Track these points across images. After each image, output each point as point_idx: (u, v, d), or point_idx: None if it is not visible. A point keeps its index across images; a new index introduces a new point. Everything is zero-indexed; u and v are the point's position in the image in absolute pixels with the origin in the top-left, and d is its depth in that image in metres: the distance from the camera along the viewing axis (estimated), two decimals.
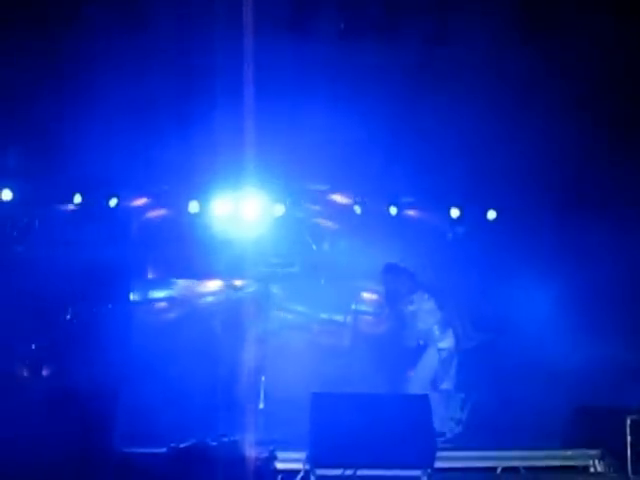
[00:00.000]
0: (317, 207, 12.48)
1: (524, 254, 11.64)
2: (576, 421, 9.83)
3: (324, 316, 11.71)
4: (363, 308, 11.98)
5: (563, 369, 10.78)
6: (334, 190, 12.45)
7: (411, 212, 12.55)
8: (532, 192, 11.72)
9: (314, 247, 12.51)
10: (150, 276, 12.03)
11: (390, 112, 11.06)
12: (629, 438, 8.99)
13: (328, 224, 12.62)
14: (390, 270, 10.90)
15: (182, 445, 8.66)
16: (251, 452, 8.55)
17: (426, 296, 10.69)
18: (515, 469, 9.22)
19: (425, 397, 9.02)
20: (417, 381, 10.49)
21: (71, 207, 11.90)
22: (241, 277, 11.98)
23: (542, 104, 10.94)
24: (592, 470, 9.26)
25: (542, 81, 11.01)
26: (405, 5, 10.88)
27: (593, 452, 9.28)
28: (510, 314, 11.49)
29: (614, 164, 11.15)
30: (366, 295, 12.02)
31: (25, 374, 11.35)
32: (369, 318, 11.99)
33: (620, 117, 11.03)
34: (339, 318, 11.73)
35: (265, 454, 8.67)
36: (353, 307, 11.86)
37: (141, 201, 12.20)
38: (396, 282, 10.79)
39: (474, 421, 10.58)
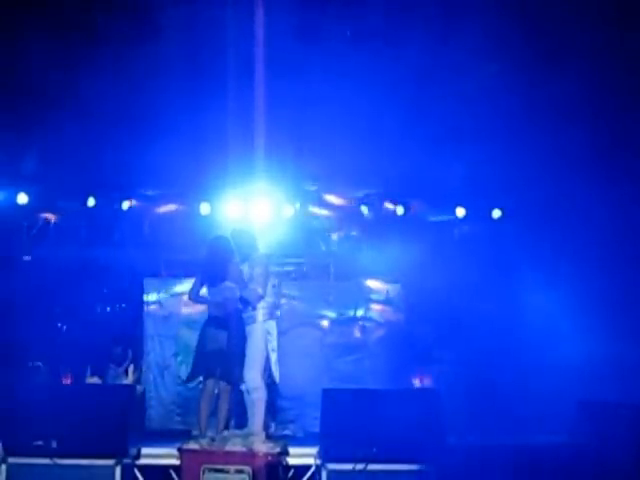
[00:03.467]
0: (325, 208, 12.60)
1: (529, 252, 11.75)
2: (582, 416, 9.96)
3: (333, 314, 11.83)
4: (372, 302, 12.03)
5: (569, 365, 10.87)
6: (341, 191, 12.56)
7: (417, 211, 12.66)
8: (537, 191, 11.83)
9: (323, 247, 12.69)
10: (163, 274, 12.18)
11: (396, 113, 11.20)
12: None
13: (336, 224, 12.75)
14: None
15: None
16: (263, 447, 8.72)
17: None
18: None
19: (435, 392, 9.16)
20: None
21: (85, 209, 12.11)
22: None
23: (547, 103, 11.06)
24: None
25: (546, 81, 11.13)
26: (408, 11, 11.00)
27: None
28: (515, 312, 11.61)
29: (618, 163, 11.28)
30: (374, 291, 12.10)
31: (40, 374, 11.51)
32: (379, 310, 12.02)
33: (624, 116, 11.15)
34: (349, 314, 11.84)
35: (277, 449, 8.82)
36: (362, 303, 11.94)
37: (153, 202, 12.38)
38: None
39: (481, 417, 10.68)
